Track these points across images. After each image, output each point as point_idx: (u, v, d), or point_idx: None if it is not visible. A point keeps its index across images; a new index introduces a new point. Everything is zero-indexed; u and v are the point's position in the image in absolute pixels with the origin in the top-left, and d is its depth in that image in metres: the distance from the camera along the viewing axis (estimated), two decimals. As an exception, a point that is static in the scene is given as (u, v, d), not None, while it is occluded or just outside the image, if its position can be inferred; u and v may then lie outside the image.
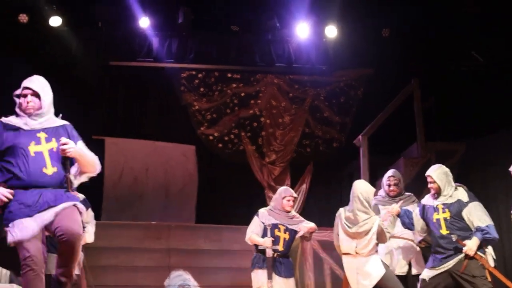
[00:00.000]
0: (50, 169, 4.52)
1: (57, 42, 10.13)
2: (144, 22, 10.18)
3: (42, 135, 4.61)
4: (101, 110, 10.86)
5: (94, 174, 4.81)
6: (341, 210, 6.82)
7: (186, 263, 9.53)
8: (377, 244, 6.62)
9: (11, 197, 4.40)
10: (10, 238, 4.35)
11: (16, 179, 4.48)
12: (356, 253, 6.60)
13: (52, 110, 4.82)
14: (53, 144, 4.60)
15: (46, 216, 4.39)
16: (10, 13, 9.85)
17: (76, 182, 4.72)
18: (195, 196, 10.88)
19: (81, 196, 7.00)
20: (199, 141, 11.06)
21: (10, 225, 4.37)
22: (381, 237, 6.58)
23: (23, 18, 9.93)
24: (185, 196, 10.88)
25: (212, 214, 10.56)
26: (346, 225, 6.65)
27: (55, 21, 9.99)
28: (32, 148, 4.51)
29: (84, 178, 4.78)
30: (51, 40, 10.13)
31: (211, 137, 11.06)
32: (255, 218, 7.31)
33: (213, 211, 10.62)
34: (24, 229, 4.33)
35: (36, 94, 4.66)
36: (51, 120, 4.76)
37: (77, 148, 4.62)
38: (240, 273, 8.93)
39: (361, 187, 6.74)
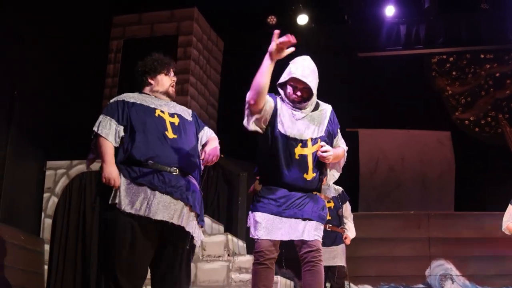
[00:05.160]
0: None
1: (306, 40, 10.46)
2: (390, 10, 10.18)
3: None
4: (352, 103, 10.99)
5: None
6: None
7: (447, 252, 9.33)
8: None
9: None
10: None
11: None
12: None
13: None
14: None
15: None
16: (259, 16, 10.38)
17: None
18: (453, 183, 10.65)
19: (339, 189, 7.13)
20: (454, 126, 10.87)
21: None
22: None
23: (272, 19, 10.43)
24: (443, 184, 10.70)
25: (472, 200, 10.25)
26: None
27: (302, 19, 10.35)
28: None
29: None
30: (300, 38, 10.49)
31: (467, 122, 10.81)
32: (509, 206, 6.92)
33: (473, 198, 10.30)
34: None
35: None
36: None
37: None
38: (505, 262, 8.59)
39: None
